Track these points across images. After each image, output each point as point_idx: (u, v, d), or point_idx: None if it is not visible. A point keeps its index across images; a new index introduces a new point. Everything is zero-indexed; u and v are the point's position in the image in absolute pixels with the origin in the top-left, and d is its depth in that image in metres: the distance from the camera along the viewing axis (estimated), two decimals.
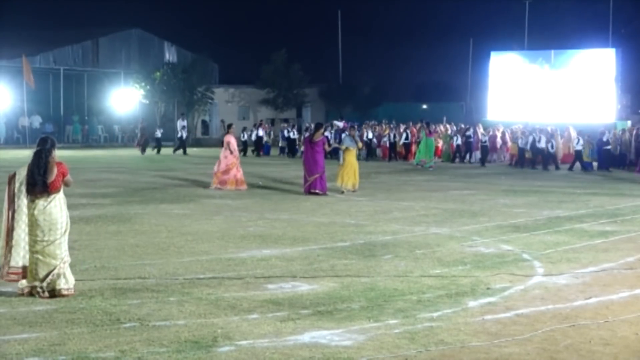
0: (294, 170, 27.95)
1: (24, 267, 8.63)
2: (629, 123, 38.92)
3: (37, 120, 48.20)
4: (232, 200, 18.59)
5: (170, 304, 8.41)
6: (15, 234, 8.60)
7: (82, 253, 11.33)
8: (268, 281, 9.62)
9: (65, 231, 8.88)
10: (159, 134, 42.14)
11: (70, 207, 16.62)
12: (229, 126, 22.34)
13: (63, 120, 50.16)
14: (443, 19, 73.70)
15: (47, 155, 8.79)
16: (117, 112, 51.62)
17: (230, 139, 21.40)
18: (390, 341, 7.17)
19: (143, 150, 39.87)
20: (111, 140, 51.49)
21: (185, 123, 42.67)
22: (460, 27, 64.78)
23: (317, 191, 19.86)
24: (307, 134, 23.06)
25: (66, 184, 9.03)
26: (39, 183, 8.67)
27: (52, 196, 8.78)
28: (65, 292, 8.70)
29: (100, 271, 10.12)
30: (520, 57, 43.91)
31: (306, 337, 7.26)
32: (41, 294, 8.63)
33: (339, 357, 6.71)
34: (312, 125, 23.78)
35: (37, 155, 8.79)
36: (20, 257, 8.60)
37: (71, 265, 10.31)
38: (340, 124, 33.28)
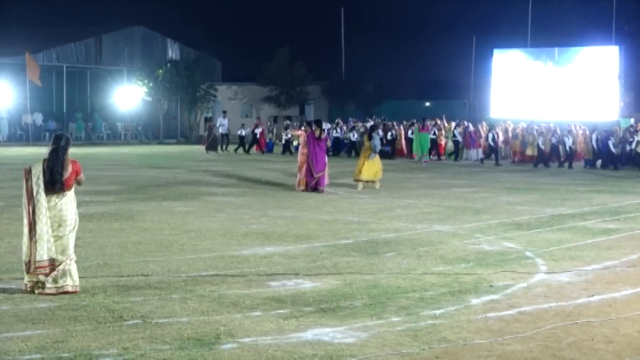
0: (295, 168, 27.93)
1: (51, 260, 8.68)
2: (632, 120, 38.90)
3: (40, 118, 48.23)
4: (235, 198, 18.60)
5: (173, 301, 8.42)
6: (37, 228, 8.66)
7: (85, 250, 11.34)
8: (271, 278, 9.63)
9: (73, 228, 8.98)
10: (243, 132, 40.92)
11: None
12: (309, 124, 21.68)
13: (66, 118, 50.15)
14: (446, 16, 73.63)
15: (63, 153, 8.89)
16: (120, 109, 51.64)
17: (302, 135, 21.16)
18: (393, 339, 7.17)
19: (212, 149, 38.77)
20: (114, 137, 51.50)
21: (226, 122, 41.70)
22: (463, 24, 64.74)
23: (322, 188, 19.89)
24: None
25: (78, 183, 9.13)
26: (58, 181, 8.77)
27: (65, 193, 8.89)
28: (70, 290, 8.73)
29: (103, 268, 10.13)
30: (524, 54, 43.90)
31: (309, 335, 7.26)
32: (43, 290, 8.64)
33: (341, 354, 6.71)
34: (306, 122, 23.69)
35: (54, 153, 8.87)
36: (44, 250, 8.66)
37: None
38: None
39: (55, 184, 8.75)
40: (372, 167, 20.90)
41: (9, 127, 46.58)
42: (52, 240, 8.71)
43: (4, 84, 45.33)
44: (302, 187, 20.25)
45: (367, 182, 20.93)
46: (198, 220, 14.70)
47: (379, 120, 31.63)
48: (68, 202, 8.92)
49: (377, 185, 20.97)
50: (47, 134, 48.22)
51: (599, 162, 31.21)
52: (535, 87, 42.19)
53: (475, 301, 8.61)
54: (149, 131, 52.89)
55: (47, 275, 8.65)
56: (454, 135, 36.15)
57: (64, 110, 49.93)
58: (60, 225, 8.81)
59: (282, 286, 9.24)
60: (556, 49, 42.91)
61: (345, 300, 8.55)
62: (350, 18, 60.04)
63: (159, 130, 52.55)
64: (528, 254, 11.59)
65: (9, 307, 8.13)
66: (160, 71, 50.99)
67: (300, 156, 20.69)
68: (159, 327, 7.42)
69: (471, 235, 13.29)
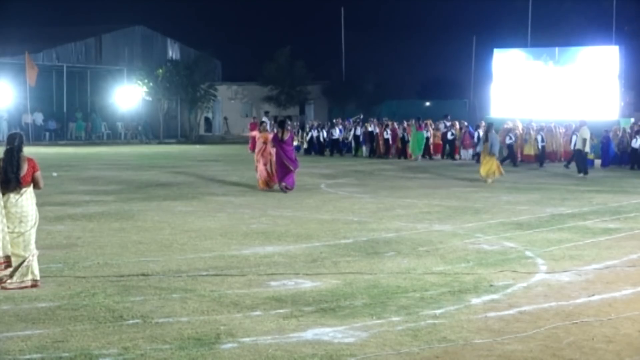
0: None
1: (7, 257, 8.84)
2: (632, 120, 38.89)
3: (40, 117, 48.23)
4: (235, 198, 18.60)
5: (173, 301, 8.42)
6: None
7: (85, 250, 11.35)
8: (271, 278, 9.63)
9: (34, 224, 9.17)
10: (336, 133, 39.36)
11: (73, 204, 16.76)
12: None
13: (66, 117, 50.18)
14: (446, 16, 73.59)
15: (18, 152, 9.13)
16: (120, 109, 51.65)
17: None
18: (393, 338, 7.17)
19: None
20: (114, 137, 51.51)
21: (268, 123, 41.31)
22: (463, 24, 64.64)
23: (290, 187, 19.77)
24: (273, 133, 22.04)
25: (37, 184, 9.28)
26: (13, 180, 9.00)
27: (24, 189, 9.10)
28: (30, 284, 8.90)
29: (103, 268, 10.13)
30: (524, 53, 43.87)
31: (309, 334, 7.27)
32: (7, 286, 8.81)
33: (341, 354, 6.71)
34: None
35: (9, 153, 9.12)
36: (1, 247, 8.80)
37: (74, 262, 10.40)
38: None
39: (9, 183, 8.98)
40: (490, 164, 23.12)
41: (9, 127, 46.57)
42: (7, 237, 8.85)
43: (4, 84, 45.31)
44: (263, 186, 20.22)
45: (489, 176, 23.09)
46: (198, 219, 14.71)
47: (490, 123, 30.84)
48: (28, 198, 9.14)
49: (489, 181, 22.96)
50: (48, 134, 48.30)
51: (598, 161, 31.25)
52: (536, 87, 42.13)
53: (475, 301, 8.61)
54: (149, 131, 52.88)
55: (9, 271, 8.82)
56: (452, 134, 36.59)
57: (64, 110, 49.93)
58: (21, 222, 9.02)
59: (282, 286, 9.24)
60: (556, 49, 42.85)
61: (346, 300, 8.55)
62: (351, 18, 60.02)
63: (159, 130, 52.56)
64: (528, 253, 11.59)
65: (9, 306, 8.14)
66: (161, 71, 50.96)
67: (257, 156, 20.54)
68: (159, 327, 7.43)
69: (471, 234, 13.28)
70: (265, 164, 20.38)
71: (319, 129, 39.60)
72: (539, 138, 32.33)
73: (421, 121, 36.56)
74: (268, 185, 20.33)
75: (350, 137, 38.71)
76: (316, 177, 24.47)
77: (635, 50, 48.07)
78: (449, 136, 36.65)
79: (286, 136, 20.28)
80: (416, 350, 6.84)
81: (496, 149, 23.53)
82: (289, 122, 40.35)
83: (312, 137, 39.60)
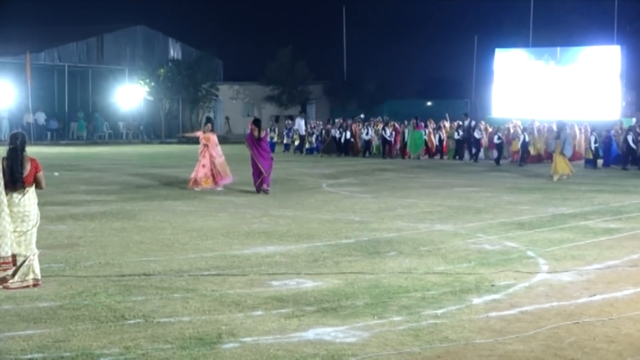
0: (297, 167, 27.99)
1: (14, 256, 8.88)
2: (634, 120, 38.88)
3: (41, 117, 48.25)
4: (237, 197, 18.61)
5: (174, 301, 8.42)
6: (0, 225, 8.83)
7: (86, 249, 11.35)
8: (272, 278, 9.63)
9: (36, 223, 9.18)
10: (387, 133, 38.01)
11: (74, 203, 16.77)
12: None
13: (68, 117, 50.22)
14: (448, 15, 73.62)
15: (21, 151, 9.11)
16: (121, 108, 51.68)
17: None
18: (395, 338, 7.17)
19: (328, 153, 37.29)
20: (116, 136, 51.54)
21: (302, 122, 40.48)
22: (465, 23, 64.70)
23: (267, 188, 19.48)
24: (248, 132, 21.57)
25: (39, 183, 9.28)
26: (19, 180, 9.01)
27: (26, 189, 9.11)
28: (31, 283, 8.92)
29: (105, 267, 10.14)
30: (526, 53, 43.89)
31: (310, 334, 7.27)
32: (9, 286, 8.82)
33: (343, 353, 6.71)
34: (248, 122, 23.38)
35: (13, 152, 9.09)
36: (8, 246, 8.85)
37: (76, 262, 10.41)
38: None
39: (16, 183, 8.99)
40: (563, 161, 24.18)
41: (10, 126, 46.62)
42: (13, 236, 8.89)
43: (5, 84, 45.35)
44: (195, 186, 19.86)
45: (562, 175, 24.13)
46: (200, 219, 14.71)
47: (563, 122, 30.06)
48: (30, 198, 9.15)
49: (565, 177, 24.14)
50: (49, 134, 48.34)
51: (600, 161, 31.22)
52: (537, 87, 42.17)
53: (476, 301, 8.61)
54: (150, 130, 52.92)
55: (11, 270, 8.84)
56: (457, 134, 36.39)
57: (66, 109, 49.98)
58: (23, 221, 9.03)
59: (284, 285, 9.24)
60: (558, 49, 42.89)
61: (347, 300, 8.55)
62: (352, 17, 60.07)
63: (161, 130, 52.58)
64: (530, 253, 11.59)
65: (11, 306, 8.14)
66: (162, 70, 51.00)
67: (201, 155, 20.19)
68: (161, 327, 7.43)
69: (473, 234, 13.28)
70: (204, 165, 20.05)
71: (341, 130, 38.93)
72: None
73: (419, 120, 36.66)
74: (197, 183, 19.96)
75: (377, 139, 38.42)
76: (317, 177, 24.49)
77: (637, 50, 48.05)
78: (477, 135, 35.32)
79: (262, 134, 20.03)
80: (417, 350, 6.84)
81: (569, 149, 24.79)
82: (289, 121, 40.46)
83: (333, 136, 39.15)
